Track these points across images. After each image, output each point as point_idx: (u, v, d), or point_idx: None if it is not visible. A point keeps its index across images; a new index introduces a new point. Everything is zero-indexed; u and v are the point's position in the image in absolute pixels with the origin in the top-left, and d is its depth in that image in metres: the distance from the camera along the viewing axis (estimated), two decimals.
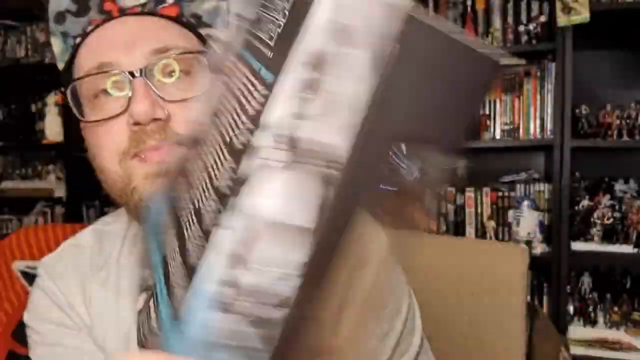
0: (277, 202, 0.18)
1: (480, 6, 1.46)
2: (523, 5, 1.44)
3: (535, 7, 1.42)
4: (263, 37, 0.19)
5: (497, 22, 1.43)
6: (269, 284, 0.18)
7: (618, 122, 1.42)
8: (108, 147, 0.38)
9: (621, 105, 1.44)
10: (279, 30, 0.18)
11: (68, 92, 0.41)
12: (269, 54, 0.19)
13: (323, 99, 0.17)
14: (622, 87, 1.50)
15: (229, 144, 0.20)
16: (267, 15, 0.19)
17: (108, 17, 0.41)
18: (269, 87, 0.18)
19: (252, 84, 0.19)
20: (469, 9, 1.46)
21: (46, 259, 0.50)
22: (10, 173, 2.01)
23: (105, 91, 0.39)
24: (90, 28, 0.41)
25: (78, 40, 0.41)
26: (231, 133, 0.20)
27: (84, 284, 0.46)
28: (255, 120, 0.18)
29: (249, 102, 0.19)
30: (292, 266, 0.18)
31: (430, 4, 1.50)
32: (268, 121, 0.18)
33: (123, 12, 0.40)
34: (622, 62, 1.52)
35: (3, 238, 1.15)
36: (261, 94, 0.18)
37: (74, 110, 0.41)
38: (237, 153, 0.19)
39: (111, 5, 0.41)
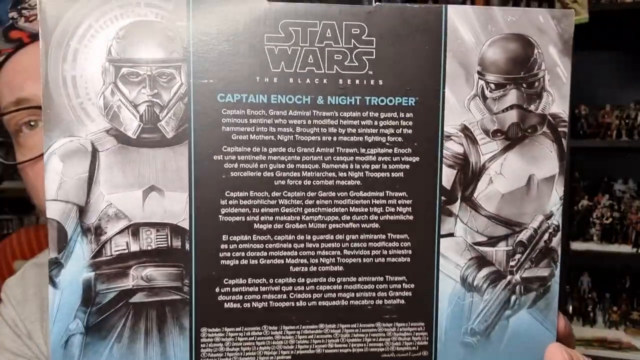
0: None
1: (479, 5, 1.49)
2: (522, 5, 1.47)
3: (534, 7, 1.46)
4: None
5: None
6: None
7: (617, 122, 1.44)
8: (41, 189, 0.33)
9: (620, 105, 1.46)
10: None
11: None
12: None
13: None
14: (621, 87, 1.52)
15: None
16: None
17: (19, 44, 0.40)
18: None
19: None
20: None
21: (8, 282, 0.49)
22: (12, 173, 2.01)
23: (28, 124, 0.40)
24: (1, 58, 0.40)
25: None
26: None
27: (44, 311, 0.46)
28: None
29: None
30: None
31: (430, 3, 1.52)
32: None
33: (35, 37, 0.38)
34: (622, 62, 1.53)
35: (3, 238, 1.16)
36: None
37: None
38: None
39: (18, 33, 0.40)
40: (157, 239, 0.31)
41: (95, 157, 0.30)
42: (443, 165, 0.32)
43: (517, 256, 0.33)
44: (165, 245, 0.31)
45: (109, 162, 0.31)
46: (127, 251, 0.31)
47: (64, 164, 0.30)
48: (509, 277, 0.33)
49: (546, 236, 0.33)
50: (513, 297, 0.33)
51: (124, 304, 0.31)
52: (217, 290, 0.32)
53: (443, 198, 0.33)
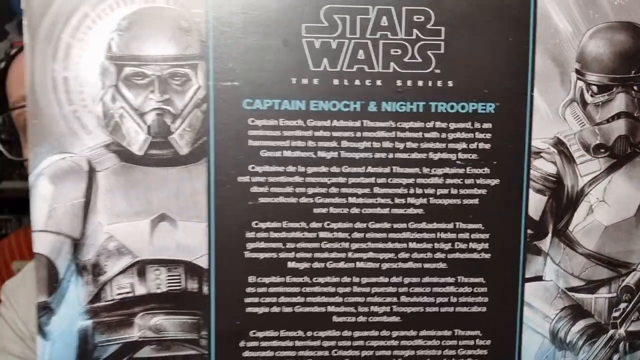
0: None
1: None
2: None
3: None
4: None
5: None
6: None
7: None
8: None
9: None
10: None
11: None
12: None
13: None
14: None
15: None
16: None
17: None
18: None
19: None
20: None
21: (8, 283, 0.49)
22: (10, 173, 2.03)
23: None
24: (14, 51, 0.40)
25: (3, 65, 0.41)
26: None
27: None
28: None
29: None
30: None
31: None
32: None
33: None
34: None
35: (3, 238, 1.17)
36: None
37: (0, 146, 0.40)
38: None
39: None
40: (168, 280, 0.27)
41: (93, 178, 0.27)
42: (530, 190, 0.27)
43: (623, 305, 0.28)
44: (179, 288, 0.27)
45: (109, 184, 0.27)
46: (131, 295, 0.27)
47: (54, 187, 0.26)
48: (611, 332, 0.29)
49: None
50: (616, 357, 0.29)
51: None
52: (242, 344, 0.27)
53: (530, 232, 0.28)
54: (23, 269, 0.50)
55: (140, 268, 0.27)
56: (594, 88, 0.27)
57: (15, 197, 1.93)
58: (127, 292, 0.27)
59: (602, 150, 0.28)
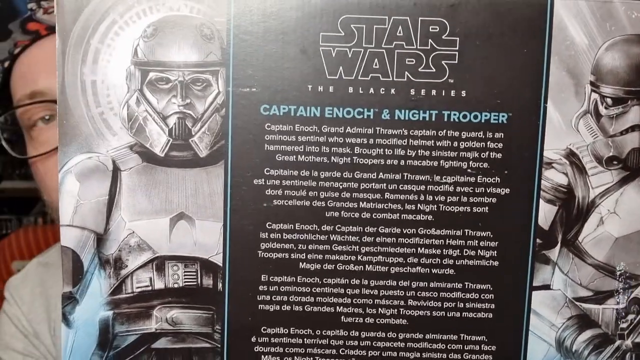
0: None
1: None
2: None
3: None
4: None
5: None
6: None
7: None
8: (54, 185, 0.35)
9: None
10: None
11: (2, 120, 0.42)
12: None
13: None
14: None
15: None
16: None
17: (36, 36, 0.41)
18: None
19: None
20: None
21: (12, 280, 0.50)
22: (10, 173, 2.07)
23: (43, 118, 0.41)
24: (17, 50, 0.41)
25: (7, 64, 0.42)
26: None
27: (50, 311, 0.46)
28: None
29: None
30: None
31: None
32: None
33: (53, 29, 0.36)
34: None
35: (3, 238, 1.21)
36: None
37: (4, 145, 0.42)
38: None
39: (36, 25, 0.41)
40: (185, 275, 0.29)
41: (117, 177, 0.28)
42: (540, 200, 0.28)
43: (631, 317, 0.29)
44: (195, 283, 0.29)
45: (132, 183, 0.28)
46: (150, 288, 0.29)
47: (80, 185, 0.28)
48: (617, 343, 0.29)
49: None
50: None
51: (146, 350, 0.29)
52: (253, 339, 0.29)
53: (539, 241, 0.28)
54: (26, 267, 0.52)
55: (159, 263, 0.29)
56: (609, 100, 0.28)
57: (15, 197, 1.98)
58: (146, 286, 0.29)
59: (615, 163, 0.28)
